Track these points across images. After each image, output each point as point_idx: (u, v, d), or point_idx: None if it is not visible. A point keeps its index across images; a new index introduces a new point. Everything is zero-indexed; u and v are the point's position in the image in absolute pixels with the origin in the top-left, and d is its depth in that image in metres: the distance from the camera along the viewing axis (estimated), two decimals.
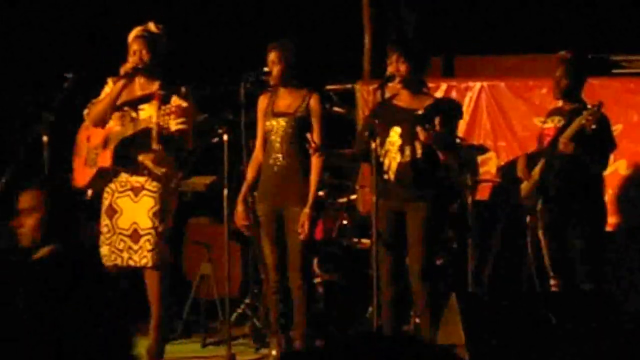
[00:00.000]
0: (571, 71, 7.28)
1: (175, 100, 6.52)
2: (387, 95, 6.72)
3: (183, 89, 6.62)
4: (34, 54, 9.04)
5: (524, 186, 7.38)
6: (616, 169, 8.29)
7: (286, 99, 6.81)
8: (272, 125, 6.77)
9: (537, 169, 7.26)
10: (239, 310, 7.80)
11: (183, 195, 8.42)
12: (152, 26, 6.67)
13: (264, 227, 6.86)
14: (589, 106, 7.08)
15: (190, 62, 9.14)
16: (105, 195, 6.69)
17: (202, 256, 7.94)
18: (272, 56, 6.77)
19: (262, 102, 6.90)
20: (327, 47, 8.71)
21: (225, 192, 6.87)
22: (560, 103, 7.46)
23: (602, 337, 5.59)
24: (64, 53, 8.72)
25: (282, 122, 6.74)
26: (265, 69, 6.89)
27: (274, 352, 6.89)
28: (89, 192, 6.75)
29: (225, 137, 6.85)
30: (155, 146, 6.53)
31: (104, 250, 6.65)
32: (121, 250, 6.60)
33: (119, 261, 6.59)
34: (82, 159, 6.76)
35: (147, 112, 6.59)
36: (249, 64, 7.17)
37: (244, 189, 6.94)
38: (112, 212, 6.64)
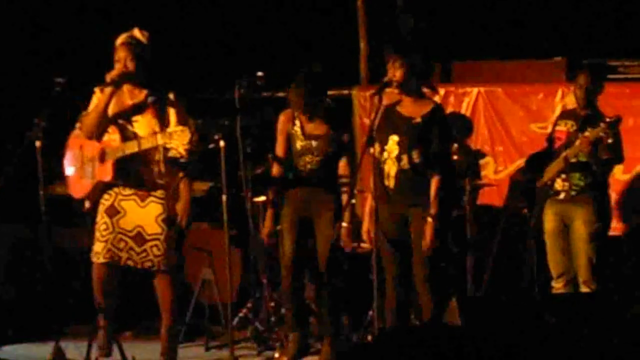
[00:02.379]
0: (595, 78, 7.36)
1: (172, 115, 6.55)
2: (385, 101, 6.75)
3: (171, 95, 6.64)
4: (25, 59, 9.08)
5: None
6: (613, 173, 8.35)
7: (315, 123, 7.06)
8: (303, 145, 7.05)
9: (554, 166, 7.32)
10: (241, 314, 7.85)
11: None
12: (137, 33, 6.66)
13: (288, 229, 7.08)
14: (607, 118, 7.13)
15: (185, 68, 9.20)
16: (106, 196, 6.65)
17: (203, 261, 7.98)
18: (293, 96, 7.00)
19: (285, 121, 7.14)
20: (323, 53, 8.77)
21: (224, 197, 6.92)
22: (572, 106, 7.53)
23: (602, 340, 5.61)
24: (55, 58, 8.76)
25: (314, 143, 7.04)
26: (259, 74, 6.97)
27: (293, 347, 7.05)
28: (87, 204, 6.73)
29: (221, 142, 6.90)
30: (162, 168, 6.56)
31: (97, 247, 6.62)
32: (120, 250, 6.59)
33: (115, 259, 6.58)
34: (76, 168, 6.73)
35: (142, 124, 6.58)
36: (244, 69, 7.23)
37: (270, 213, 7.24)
38: (115, 211, 6.62)
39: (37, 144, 6.63)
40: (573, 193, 7.30)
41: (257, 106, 7.28)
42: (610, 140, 7.09)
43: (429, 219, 6.49)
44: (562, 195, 7.35)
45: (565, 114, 7.62)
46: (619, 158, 7.38)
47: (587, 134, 7.14)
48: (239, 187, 7.36)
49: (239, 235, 7.97)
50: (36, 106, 6.71)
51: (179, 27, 9.41)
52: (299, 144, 7.05)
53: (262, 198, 7.66)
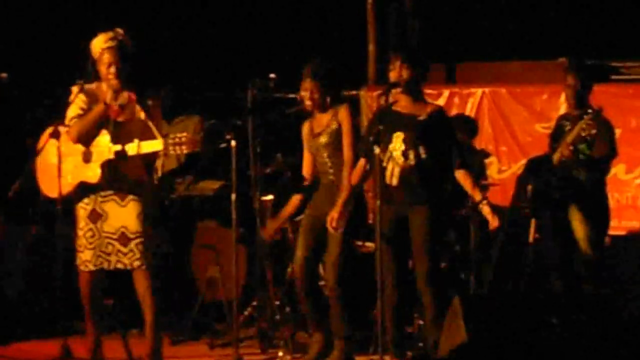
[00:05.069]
0: (583, 78, 7.40)
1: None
2: (391, 100, 6.80)
3: (150, 102, 6.56)
4: (41, 63, 9.10)
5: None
6: (615, 173, 8.41)
7: (322, 118, 6.98)
8: (315, 145, 6.98)
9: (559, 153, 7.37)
10: (246, 313, 7.89)
11: (192, 199, 8.55)
12: (120, 32, 6.54)
13: (304, 229, 7.02)
14: (589, 111, 7.19)
15: (198, 68, 9.23)
16: (86, 200, 6.57)
17: (210, 259, 8.02)
18: (308, 85, 6.89)
19: (306, 129, 7.09)
20: (331, 54, 8.80)
21: (233, 196, 6.94)
22: (568, 109, 7.58)
23: (601, 340, 5.66)
24: (71, 62, 8.78)
25: (321, 139, 6.93)
26: (271, 75, 6.97)
27: (315, 348, 7.02)
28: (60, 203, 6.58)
29: (232, 142, 6.92)
30: (159, 174, 6.52)
31: (85, 255, 6.54)
32: (109, 254, 6.52)
33: (105, 265, 6.52)
34: (52, 167, 6.55)
35: (134, 126, 6.44)
36: (255, 71, 7.25)
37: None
38: (97, 216, 6.54)
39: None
40: (568, 193, 7.34)
41: (269, 107, 7.29)
42: (594, 131, 7.13)
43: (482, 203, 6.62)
44: (558, 195, 7.40)
45: (562, 117, 7.67)
46: (611, 151, 7.39)
47: (567, 138, 7.20)
48: (249, 187, 7.39)
49: (246, 234, 8.02)
50: (56, 109, 6.69)
51: (191, 28, 9.45)
52: (310, 145, 7.02)
53: (270, 197, 7.71)
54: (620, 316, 6.01)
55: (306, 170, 7.14)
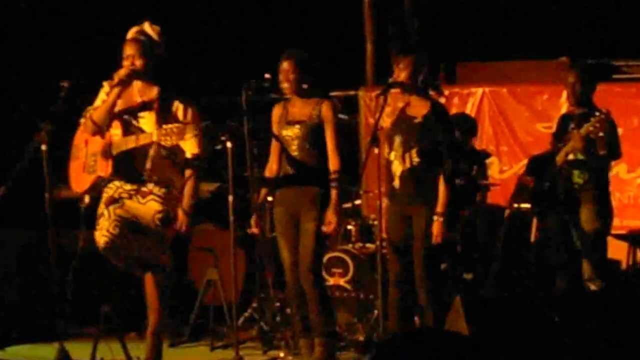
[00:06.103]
0: (585, 77, 7.36)
1: (177, 108, 6.40)
2: (391, 101, 6.76)
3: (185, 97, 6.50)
4: (30, 62, 9.06)
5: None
6: (617, 172, 8.38)
7: (300, 108, 6.83)
8: (287, 133, 6.82)
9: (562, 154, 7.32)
10: (246, 314, 7.85)
11: None
12: (147, 27, 6.46)
13: (282, 231, 6.90)
14: (596, 112, 7.14)
15: (193, 69, 9.21)
16: (107, 189, 6.49)
17: (208, 262, 7.98)
18: (285, 65, 6.78)
19: (276, 112, 6.94)
20: (330, 54, 8.79)
21: (230, 198, 6.90)
22: (569, 108, 7.55)
23: (604, 337, 5.63)
24: (60, 61, 8.73)
25: (296, 129, 6.78)
26: (267, 76, 6.91)
27: (304, 355, 6.92)
28: (86, 199, 6.59)
29: (228, 144, 6.86)
30: (149, 165, 6.38)
31: (96, 234, 6.42)
32: (115, 236, 6.35)
33: (111, 244, 6.34)
34: (79, 162, 6.58)
35: (148, 121, 6.41)
36: (251, 71, 7.20)
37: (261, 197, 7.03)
38: (113, 201, 6.44)
39: (43, 147, 6.48)
40: (572, 191, 7.32)
41: (265, 108, 7.23)
42: (601, 134, 7.10)
43: (435, 217, 6.48)
44: (561, 195, 7.37)
45: (564, 116, 7.65)
46: (614, 153, 7.36)
47: (581, 130, 7.17)
48: (246, 189, 7.34)
49: (244, 236, 7.97)
50: (42, 110, 6.63)
51: (186, 29, 9.44)
52: (283, 132, 6.85)
53: (270, 199, 7.66)
54: (621, 315, 5.99)
55: (275, 161, 6.97)
